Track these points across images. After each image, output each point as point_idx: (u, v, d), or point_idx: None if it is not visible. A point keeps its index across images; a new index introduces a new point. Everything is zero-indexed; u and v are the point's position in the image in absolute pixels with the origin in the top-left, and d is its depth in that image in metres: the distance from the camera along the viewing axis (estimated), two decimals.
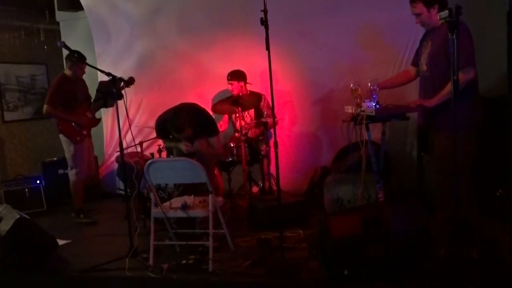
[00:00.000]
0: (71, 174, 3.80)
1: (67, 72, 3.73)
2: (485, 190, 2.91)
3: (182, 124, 2.97)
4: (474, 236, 2.40)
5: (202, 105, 4.32)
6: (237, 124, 3.67)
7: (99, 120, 3.96)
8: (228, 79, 3.78)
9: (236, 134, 3.74)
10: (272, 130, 2.88)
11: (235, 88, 3.76)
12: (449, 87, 2.36)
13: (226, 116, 4.03)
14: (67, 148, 3.77)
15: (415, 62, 2.76)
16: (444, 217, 2.49)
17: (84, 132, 3.77)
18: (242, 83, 3.76)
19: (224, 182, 3.76)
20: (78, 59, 3.49)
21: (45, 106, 3.76)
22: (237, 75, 3.76)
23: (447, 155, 2.38)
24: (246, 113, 3.88)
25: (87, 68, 2.99)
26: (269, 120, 3.56)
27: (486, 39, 3.23)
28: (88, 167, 3.90)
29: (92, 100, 3.78)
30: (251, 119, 3.86)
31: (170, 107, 3.19)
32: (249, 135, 3.76)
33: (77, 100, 3.74)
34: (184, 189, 3.12)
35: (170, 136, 3.20)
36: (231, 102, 3.51)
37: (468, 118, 2.31)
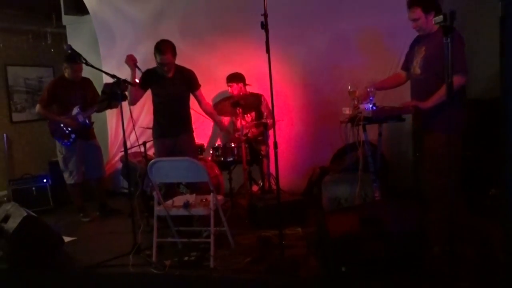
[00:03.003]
0: (65, 177, 3.83)
1: (65, 73, 3.77)
2: (478, 189, 2.95)
3: (166, 47, 3.09)
4: (467, 235, 2.44)
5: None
6: (238, 123, 3.73)
7: (91, 123, 3.87)
8: (227, 82, 3.85)
9: (237, 135, 3.81)
10: (271, 131, 2.94)
11: (234, 89, 3.82)
12: (442, 90, 2.41)
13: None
14: (58, 150, 3.80)
15: (406, 66, 2.80)
16: (435, 216, 2.53)
17: (72, 136, 3.73)
18: (241, 85, 3.82)
19: (225, 181, 3.82)
20: (65, 60, 3.52)
21: (36, 106, 3.82)
22: (235, 77, 3.82)
23: (438, 155, 2.42)
24: (248, 113, 3.94)
25: (93, 70, 3.06)
26: (269, 121, 3.61)
27: (480, 43, 3.27)
28: (93, 169, 3.88)
29: (98, 102, 3.82)
30: (251, 119, 3.92)
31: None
32: (249, 135, 3.82)
33: (70, 102, 3.73)
34: (167, 191, 3.18)
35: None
36: (231, 104, 3.56)
37: (458, 120, 2.36)
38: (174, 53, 3.15)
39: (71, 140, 3.75)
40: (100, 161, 4.01)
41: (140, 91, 3.22)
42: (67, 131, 3.75)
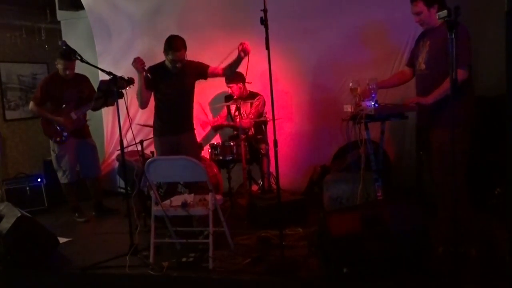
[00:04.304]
0: (59, 177, 3.78)
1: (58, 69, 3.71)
2: (483, 188, 2.93)
3: (179, 44, 3.03)
4: (472, 234, 2.41)
5: (202, 104, 4.35)
6: (237, 121, 3.69)
7: (85, 121, 3.80)
8: (226, 83, 3.80)
9: (235, 132, 3.76)
10: (271, 129, 2.90)
11: (234, 90, 3.78)
12: (444, 85, 2.39)
13: (225, 111, 4.05)
14: (52, 149, 3.75)
15: (411, 63, 2.77)
16: (443, 215, 2.50)
17: (65, 134, 3.67)
18: (240, 84, 3.77)
19: (224, 181, 3.77)
20: (58, 55, 3.48)
21: (30, 103, 3.76)
22: (234, 78, 3.76)
23: (444, 152, 2.40)
24: (244, 112, 3.89)
25: (89, 67, 2.99)
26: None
27: (485, 39, 3.25)
28: (87, 168, 3.81)
29: (94, 99, 3.73)
30: (246, 114, 3.87)
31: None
32: (249, 133, 3.77)
33: (63, 99, 3.65)
34: (168, 189, 3.13)
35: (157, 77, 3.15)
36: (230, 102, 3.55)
37: (462, 115, 2.33)
38: (186, 48, 3.09)
39: (63, 138, 3.69)
40: (95, 160, 3.93)
41: (148, 92, 3.17)
42: (59, 129, 3.69)
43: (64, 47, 2.84)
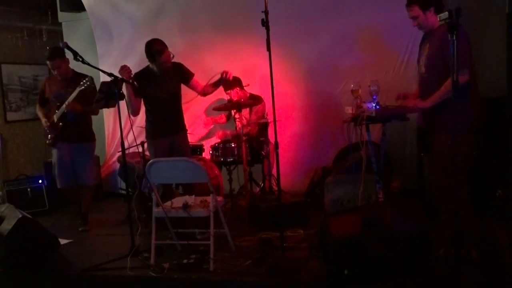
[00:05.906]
0: None
1: None
2: (484, 190, 2.92)
3: (163, 46, 3.05)
4: (473, 236, 2.41)
5: (202, 106, 4.35)
6: (238, 124, 3.69)
7: (60, 126, 3.51)
8: (224, 90, 3.80)
9: (237, 131, 3.76)
10: (272, 131, 2.91)
11: (233, 96, 3.79)
12: (443, 88, 2.37)
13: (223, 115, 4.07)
14: None
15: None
16: (444, 218, 2.50)
17: (49, 136, 3.56)
18: (237, 89, 3.77)
19: (225, 182, 3.77)
20: (46, 57, 3.46)
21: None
22: (230, 84, 3.75)
23: (445, 156, 2.39)
24: (244, 116, 3.89)
25: (90, 69, 2.99)
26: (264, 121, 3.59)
27: (486, 40, 3.25)
28: (78, 175, 3.56)
29: (95, 101, 3.65)
30: (247, 121, 3.87)
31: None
32: (250, 132, 3.78)
33: (52, 101, 3.56)
34: (164, 191, 3.11)
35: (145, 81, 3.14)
36: (230, 106, 3.56)
37: (465, 119, 2.30)
38: (167, 47, 3.11)
39: (50, 140, 3.62)
40: (86, 167, 3.59)
41: (138, 100, 3.18)
42: (47, 131, 3.63)
43: (65, 49, 2.84)
